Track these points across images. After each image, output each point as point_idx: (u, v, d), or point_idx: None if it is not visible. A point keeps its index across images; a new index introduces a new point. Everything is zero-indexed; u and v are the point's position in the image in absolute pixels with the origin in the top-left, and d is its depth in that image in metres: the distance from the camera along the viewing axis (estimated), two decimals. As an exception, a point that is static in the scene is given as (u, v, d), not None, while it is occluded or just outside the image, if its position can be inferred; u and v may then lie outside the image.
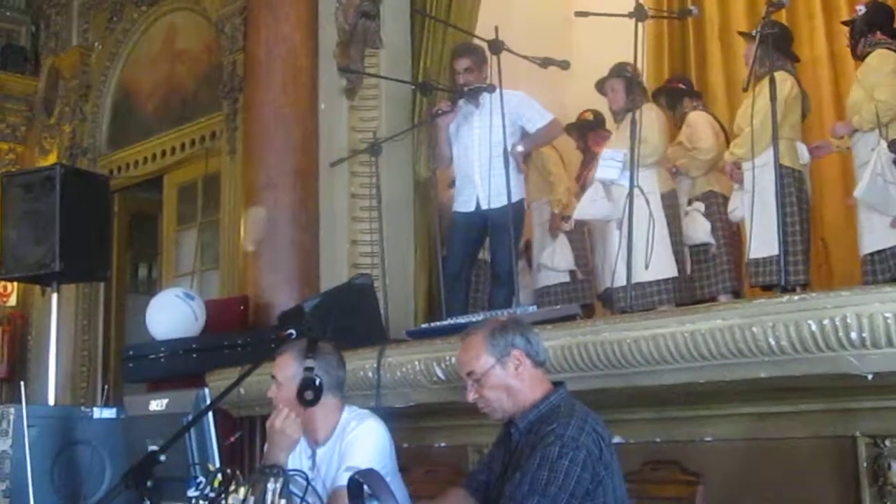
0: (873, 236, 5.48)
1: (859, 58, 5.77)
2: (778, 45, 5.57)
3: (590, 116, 7.26)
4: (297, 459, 3.65)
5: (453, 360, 4.30)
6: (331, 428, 3.64)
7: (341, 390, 3.74)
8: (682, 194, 6.57)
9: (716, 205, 6.37)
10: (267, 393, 3.73)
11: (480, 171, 5.97)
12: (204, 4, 8.26)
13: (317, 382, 3.56)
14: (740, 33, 6.47)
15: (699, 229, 6.36)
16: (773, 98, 4.51)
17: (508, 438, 3.29)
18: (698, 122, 6.57)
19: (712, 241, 6.33)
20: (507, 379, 3.21)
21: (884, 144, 5.43)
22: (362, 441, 3.54)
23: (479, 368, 3.22)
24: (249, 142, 6.96)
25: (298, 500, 3.10)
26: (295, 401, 3.58)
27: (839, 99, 7.08)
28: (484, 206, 5.98)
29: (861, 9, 5.78)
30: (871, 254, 5.50)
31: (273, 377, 3.67)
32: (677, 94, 6.80)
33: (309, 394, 3.56)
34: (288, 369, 3.63)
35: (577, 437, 2.99)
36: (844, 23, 6.07)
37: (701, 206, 6.42)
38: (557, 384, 3.30)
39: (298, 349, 3.65)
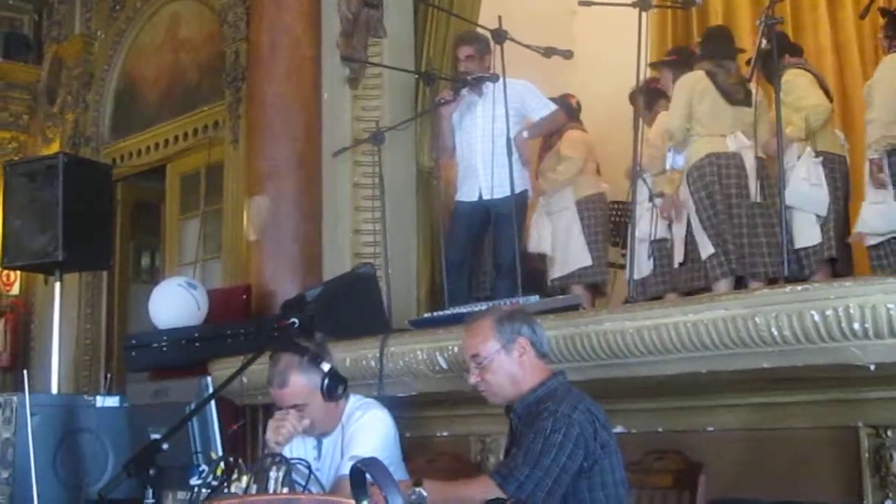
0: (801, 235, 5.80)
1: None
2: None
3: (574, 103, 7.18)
4: (302, 449, 3.65)
5: (456, 349, 4.31)
6: (337, 417, 3.64)
7: None
8: (641, 192, 6.55)
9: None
10: (297, 431, 3.55)
11: (483, 161, 5.96)
12: (206, -7, 8.26)
13: (339, 374, 3.61)
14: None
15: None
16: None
17: (510, 426, 3.34)
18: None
19: (668, 236, 6.37)
20: (510, 365, 3.25)
21: (809, 151, 5.76)
22: (367, 430, 3.54)
23: (484, 352, 3.26)
24: (252, 131, 6.95)
25: (301, 489, 3.10)
26: (323, 406, 3.58)
27: (843, 88, 7.10)
28: (486, 197, 5.98)
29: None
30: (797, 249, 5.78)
31: (295, 406, 3.55)
32: (654, 94, 6.80)
33: (341, 388, 3.59)
34: (305, 386, 3.56)
35: (570, 414, 3.05)
36: (749, 78, 6.02)
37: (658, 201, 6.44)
38: (557, 373, 3.34)
39: (297, 364, 3.57)
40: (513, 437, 3.31)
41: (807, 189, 5.69)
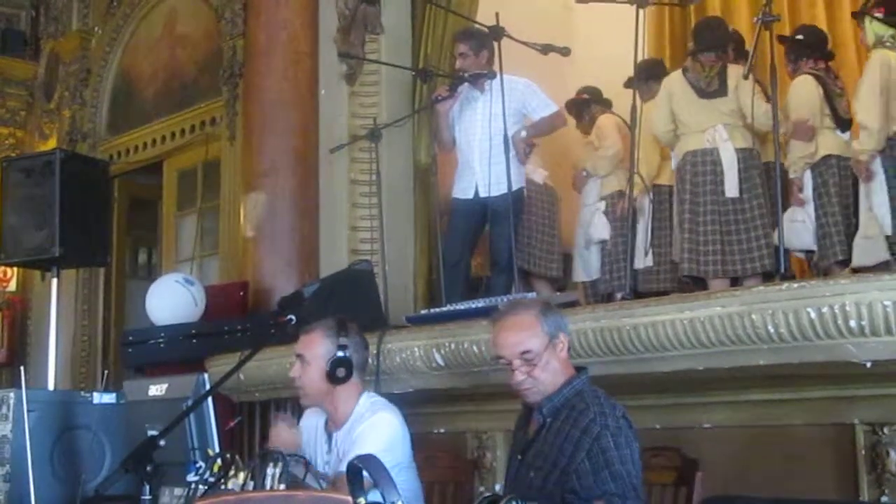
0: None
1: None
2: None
3: None
4: (313, 444, 3.65)
5: (453, 346, 4.32)
6: (349, 412, 3.62)
7: (363, 372, 3.75)
8: (591, 195, 6.80)
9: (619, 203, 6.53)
10: (289, 372, 3.69)
11: (480, 158, 5.95)
12: (204, -11, 8.25)
13: (349, 359, 3.58)
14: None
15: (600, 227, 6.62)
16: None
17: (526, 422, 3.27)
18: (605, 124, 6.83)
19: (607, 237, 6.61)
20: (555, 360, 3.15)
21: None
22: (374, 432, 3.48)
23: (535, 347, 3.13)
24: (249, 127, 6.95)
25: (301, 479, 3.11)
26: (321, 379, 3.58)
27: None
28: (483, 194, 5.96)
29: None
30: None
31: (298, 356, 3.63)
32: (583, 104, 7.06)
33: (341, 371, 3.56)
34: (318, 347, 3.60)
35: (619, 426, 3.01)
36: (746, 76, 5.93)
37: (602, 204, 6.65)
38: (580, 369, 3.26)
39: (328, 327, 3.63)
40: (530, 433, 3.22)
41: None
